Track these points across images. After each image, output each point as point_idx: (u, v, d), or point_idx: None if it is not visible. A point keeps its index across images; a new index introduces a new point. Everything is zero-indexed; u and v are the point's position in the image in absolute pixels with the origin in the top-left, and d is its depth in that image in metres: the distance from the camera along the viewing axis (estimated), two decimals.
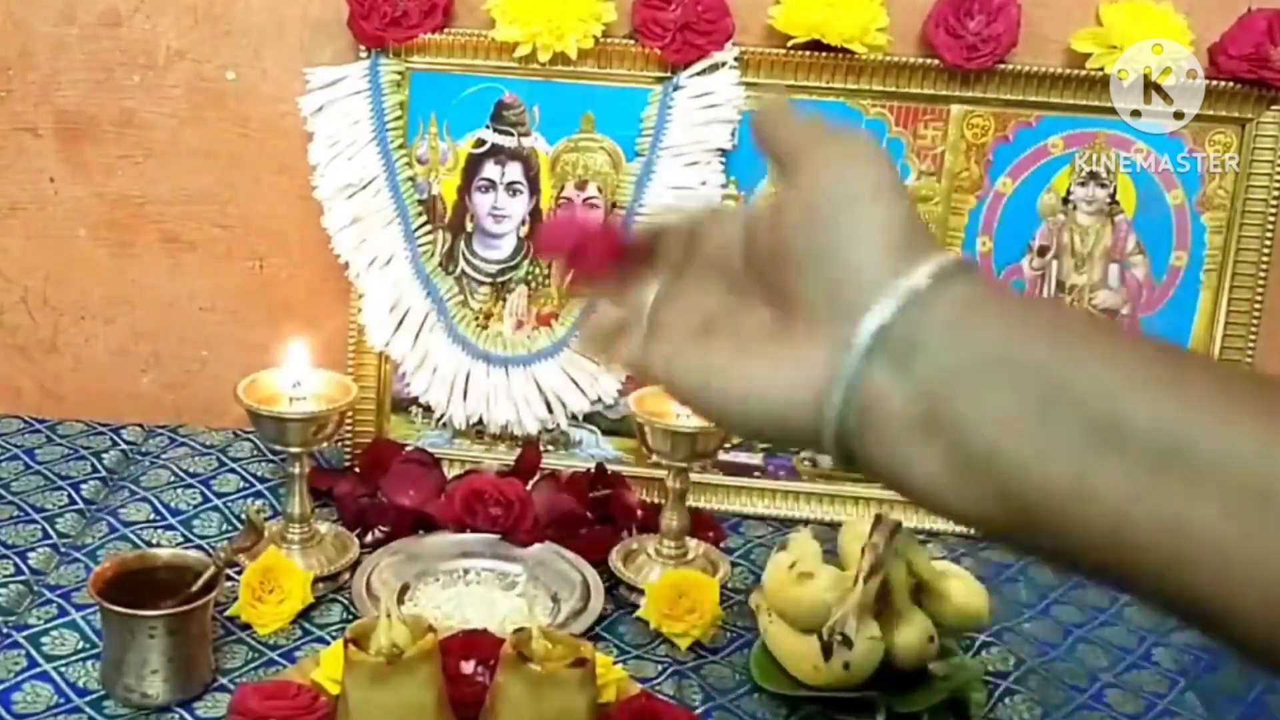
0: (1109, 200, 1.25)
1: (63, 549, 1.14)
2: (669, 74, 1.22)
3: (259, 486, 1.25)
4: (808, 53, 1.21)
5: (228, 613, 1.04)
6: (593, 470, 1.26)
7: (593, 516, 1.21)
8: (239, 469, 1.27)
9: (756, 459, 1.30)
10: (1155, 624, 1.16)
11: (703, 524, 1.22)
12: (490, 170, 1.26)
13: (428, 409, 1.30)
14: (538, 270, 1.28)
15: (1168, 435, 0.38)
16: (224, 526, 1.19)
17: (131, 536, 1.15)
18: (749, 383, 0.48)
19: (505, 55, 1.22)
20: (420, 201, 1.27)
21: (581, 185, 1.26)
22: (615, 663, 0.99)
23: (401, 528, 1.18)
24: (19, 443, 1.33)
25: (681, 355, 0.51)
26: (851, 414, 0.44)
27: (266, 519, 1.19)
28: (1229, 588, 0.37)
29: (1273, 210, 1.22)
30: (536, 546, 1.16)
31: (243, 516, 1.10)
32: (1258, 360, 1.25)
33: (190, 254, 1.36)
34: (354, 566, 1.12)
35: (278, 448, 1.11)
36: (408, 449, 1.27)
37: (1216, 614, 0.38)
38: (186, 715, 0.94)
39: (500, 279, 1.28)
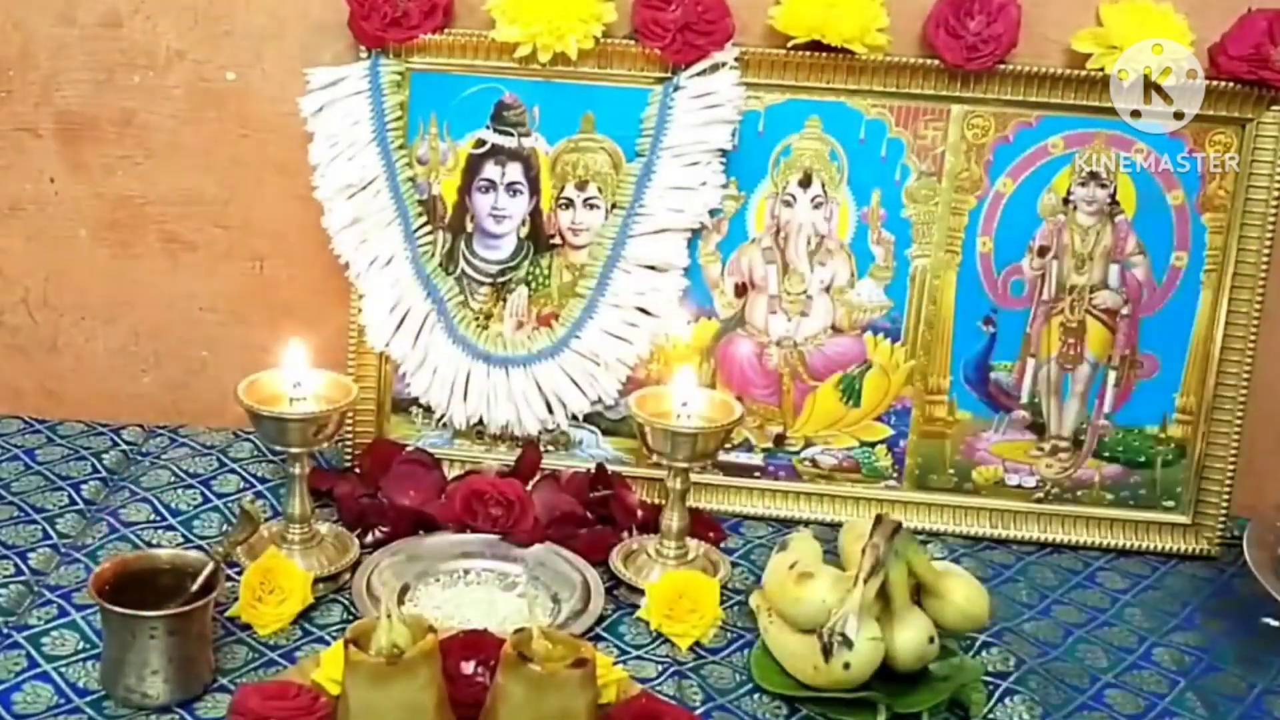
0: (1109, 200, 1.24)
1: (63, 549, 1.14)
2: (669, 74, 1.22)
3: (259, 487, 1.25)
4: (808, 53, 1.21)
5: (228, 613, 1.04)
6: (593, 470, 1.26)
7: (593, 516, 1.21)
8: (239, 469, 1.27)
9: (757, 459, 1.30)
10: (1155, 624, 1.16)
11: (703, 524, 1.22)
12: (490, 170, 1.26)
13: (428, 409, 1.30)
14: (537, 270, 1.28)
15: None
16: (224, 527, 1.19)
17: (131, 537, 1.15)
18: None
19: (505, 55, 1.22)
20: (420, 202, 1.27)
21: (581, 185, 1.26)
22: (615, 663, 0.99)
23: (401, 528, 1.18)
24: (19, 443, 1.33)
25: None
26: None
27: (266, 519, 1.19)
28: None
29: (1273, 210, 1.22)
30: (536, 547, 1.16)
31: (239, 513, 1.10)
32: (1257, 361, 1.25)
33: (190, 254, 1.36)
34: (354, 567, 1.12)
35: (278, 448, 1.12)
36: (408, 449, 1.27)
37: None
38: (186, 715, 0.94)
39: (500, 279, 1.28)
